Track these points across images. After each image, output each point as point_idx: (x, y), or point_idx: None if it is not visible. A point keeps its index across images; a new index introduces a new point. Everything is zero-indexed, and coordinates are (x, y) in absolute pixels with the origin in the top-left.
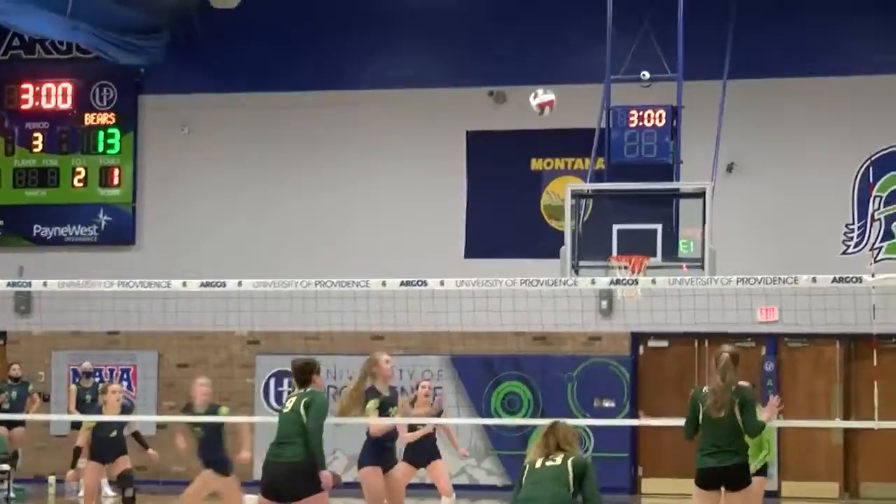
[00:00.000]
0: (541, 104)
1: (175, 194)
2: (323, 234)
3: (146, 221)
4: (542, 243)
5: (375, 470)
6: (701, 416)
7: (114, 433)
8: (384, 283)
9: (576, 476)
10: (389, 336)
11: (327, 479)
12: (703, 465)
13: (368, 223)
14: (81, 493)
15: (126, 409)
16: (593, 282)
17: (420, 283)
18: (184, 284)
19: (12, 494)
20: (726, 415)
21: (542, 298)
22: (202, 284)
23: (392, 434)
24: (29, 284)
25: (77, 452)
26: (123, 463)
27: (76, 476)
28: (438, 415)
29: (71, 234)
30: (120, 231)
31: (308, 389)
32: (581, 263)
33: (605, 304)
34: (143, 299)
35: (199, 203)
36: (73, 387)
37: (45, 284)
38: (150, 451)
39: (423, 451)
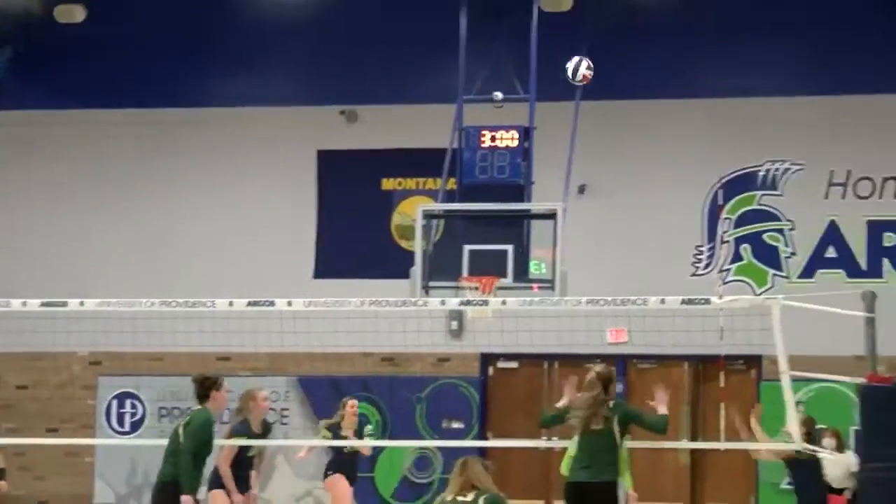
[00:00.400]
0: (584, 77)
1: (14, 212)
2: (169, 254)
3: None
4: (393, 264)
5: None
6: (578, 434)
7: None
8: (231, 304)
9: None
10: (236, 357)
11: (187, 502)
12: (574, 479)
13: (215, 243)
14: None
15: None
16: (443, 302)
17: (268, 303)
18: (24, 304)
19: None
20: (604, 428)
21: (391, 319)
22: (42, 304)
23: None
24: None
25: None
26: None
27: None
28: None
29: None
30: None
31: (197, 407)
32: (431, 284)
33: (455, 324)
34: None
35: (38, 221)
36: None
37: None
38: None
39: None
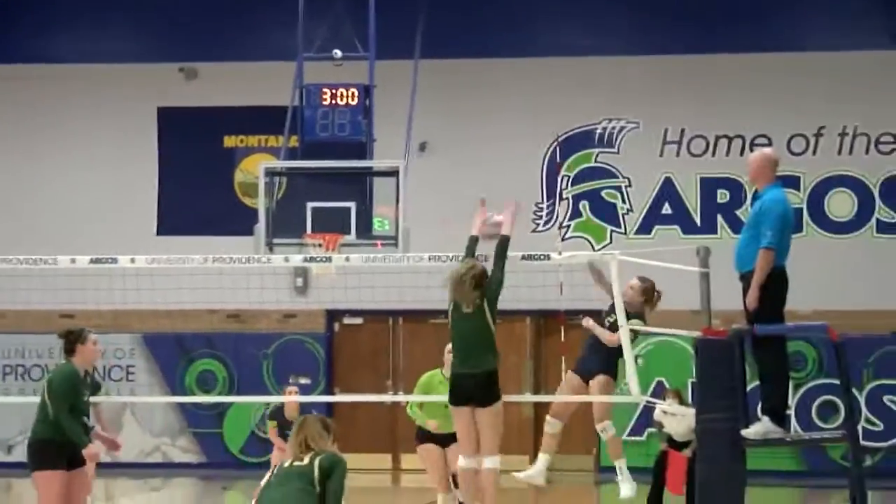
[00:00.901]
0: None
1: None
2: (8, 210)
3: None
4: (237, 221)
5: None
6: (450, 320)
7: None
8: (73, 261)
9: (322, 476)
10: (80, 314)
11: (90, 451)
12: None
13: (58, 200)
14: None
15: None
16: (287, 259)
17: (110, 260)
18: None
19: None
20: (474, 311)
21: (235, 276)
22: None
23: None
24: None
25: None
26: None
27: None
28: None
29: None
30: None
31: (61, 362)
32: (275, 241)
33: (299, 281)
34: None
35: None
36: None
37: None
38: None
39: None
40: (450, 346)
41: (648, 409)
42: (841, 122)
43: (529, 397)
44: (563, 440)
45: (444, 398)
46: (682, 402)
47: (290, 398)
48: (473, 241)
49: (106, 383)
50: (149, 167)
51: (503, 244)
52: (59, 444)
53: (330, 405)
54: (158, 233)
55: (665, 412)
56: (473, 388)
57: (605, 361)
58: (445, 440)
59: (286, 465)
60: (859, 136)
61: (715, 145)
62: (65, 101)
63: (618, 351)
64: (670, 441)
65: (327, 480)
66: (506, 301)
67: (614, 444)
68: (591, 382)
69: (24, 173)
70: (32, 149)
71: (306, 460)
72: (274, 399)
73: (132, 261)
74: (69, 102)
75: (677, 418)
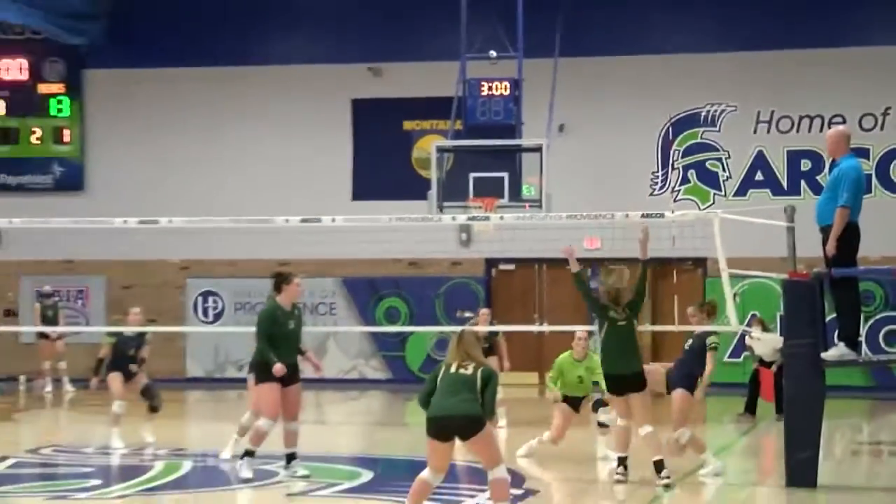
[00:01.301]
0: None
1: (116, 149)
2: (239, 181)
3: (93, 171)
4: (414, 189)
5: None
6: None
7: (132, 351)
8: (287, 220)
9: (482, 385)
10: (293, 263)
11: (276, 368)
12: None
13: (274, 173)
14: (48, 390)
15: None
16: (454, 218)
17: (316, 220)
18: (124, 222)
19: None
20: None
21: (413, 232)
22: (140, 222)
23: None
24: None
25: (100, 363)
26: (141, 378)
27: (98, 384)
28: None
29: (31, 182)
30: (72, 179)
31: (268, 299)
32: (445, 204)
33: (464, 236)
34: (93, 234)
35: (136, 155)
36: (37, 305)
37: (10, 222)
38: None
39: None
40: (580, 333)
41: (743, 337)
42: None
43: (648, 327)
44: None
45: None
46: (765, 328)
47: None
48: (576, 276)
49: (313, 317)
50: (345, 147)
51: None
52: (269, 364)
53: (490, 333)
54: (353, 198)
55: (753, 337)
56: (629, 383)
57: (686, 379)
58: (575, 404)
59: (451, 371)
60: None
61: (799, 123)
62: (277, 96)
63: (699, 369)
64: (760, 361)
65: (485, 388)
66: (627, 251)
67: (695, 443)
68: (673, 394)
69: (248, 153)
70: (255, 130)
71: (470, 370)
72: (445, 329)
73: (333, 220)
74: (281, 97)
75: (763, 342)
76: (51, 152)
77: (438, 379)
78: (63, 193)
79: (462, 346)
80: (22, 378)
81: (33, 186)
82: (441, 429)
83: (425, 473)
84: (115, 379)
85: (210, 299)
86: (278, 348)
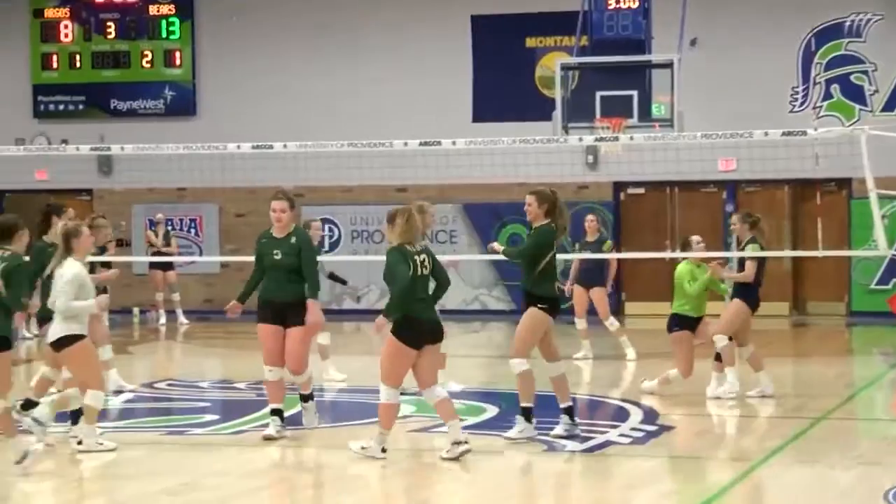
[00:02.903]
0: None
1: (228, 72)
2: (355, 103)
3: (205, 95)
4: (537, 109)
5: None
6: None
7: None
8: (405, 144)
9: None
10: (412, 188)
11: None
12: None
13: (392, 93)
14: (162, 322)
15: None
16: (580, 139)
17: (435, 142)
18: (238, 147)
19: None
20: None
21: (538, 154)
22: (253, 147)
23: None
24: (109, 149)
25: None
26: None
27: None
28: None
29: (142, 107)
30: (183, 104)
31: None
32: (570, 125)
33: (591, 158)
34: (205, 160)
35: (249, 79)
36: (150, 233)
37: (122, 149)
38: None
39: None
40: (698, 237)
41: (893, 262)
42: None
43: (788, 252)
44: (820, 291)
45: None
46: None
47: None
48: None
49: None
50: (465, 66)
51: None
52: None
53: (619, 261)
54: (474, 119)
55: None
56: None
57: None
58: (694, 325)
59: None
60: None
61: None
62: (398, 13)
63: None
64: None
65: None
66: (766, 172)
67: (727, 351)
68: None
69: (363, 74)
70: (373, 54)
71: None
72: (569, 257)
73: (453, 143)
74: (397, 16)
75: None
76: (162, 76)
77: None
78: (174, 118)
79: None
80: (135, 310)
81: (144, 112)
82: None
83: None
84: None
85: (326, 227)
86: None
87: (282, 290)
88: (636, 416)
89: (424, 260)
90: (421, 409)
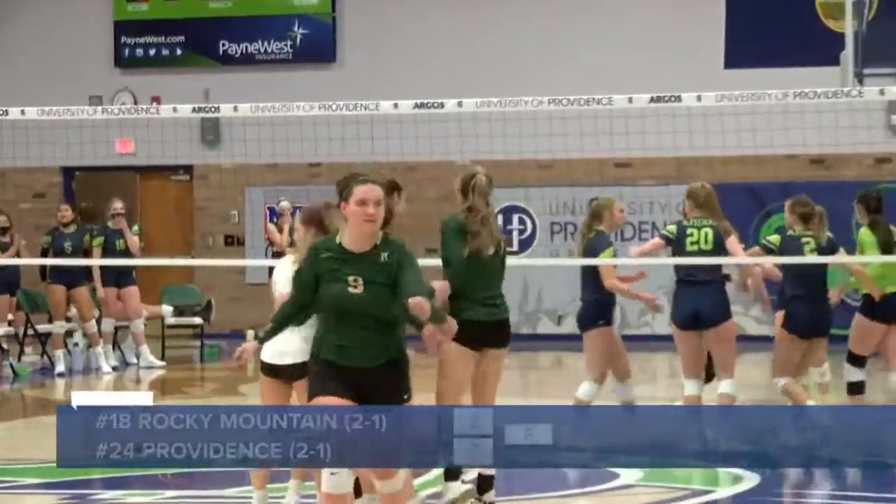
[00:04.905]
0: None
1: (381, 4)
2: (548, 52)
3: (348, 35)
4: (818, 49)
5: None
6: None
7: None
8: (630, 100)
9: None
10: (637, 163)
11: None
12: None
13: (607, 33)
14: None
15: None
16: (882, 92)
17: (673, 98)
18: (395, 106)
19: (206, 351)
20: None
21: (819, 114)
22: (416, 106)
23: None
24: (217, 110)
25: None
26: None
27: None
28: None
29: (262, 50)
30: (319, 47)
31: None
32: (865, 71)
33: (894, 118)
34: (348, 125)
35: (407, 16)
36: (272, 227)
37: (235, 109)
38: None
39: None
40: None
41: None
42: None
43: None
44: None
45: None
46: None
47: None
48: None
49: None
50: None
51: None
52: None
53: None
54: (726, 66)
55: None
56: None
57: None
58: None
59: None
60: None
61: None
62: None
63: None
64: None
65: None
66: None
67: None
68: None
69: (560, 13)
70: None
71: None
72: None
73: (698, 99)
74: None
75: None
76: (290, 8)
77: None
78: (306, 66)
79: None
80: (250, 333)
81: (265, 58)
82: None
83: None
84: None
85: (514, 218)
86: None
87: None
88: None
89: None
90: None
